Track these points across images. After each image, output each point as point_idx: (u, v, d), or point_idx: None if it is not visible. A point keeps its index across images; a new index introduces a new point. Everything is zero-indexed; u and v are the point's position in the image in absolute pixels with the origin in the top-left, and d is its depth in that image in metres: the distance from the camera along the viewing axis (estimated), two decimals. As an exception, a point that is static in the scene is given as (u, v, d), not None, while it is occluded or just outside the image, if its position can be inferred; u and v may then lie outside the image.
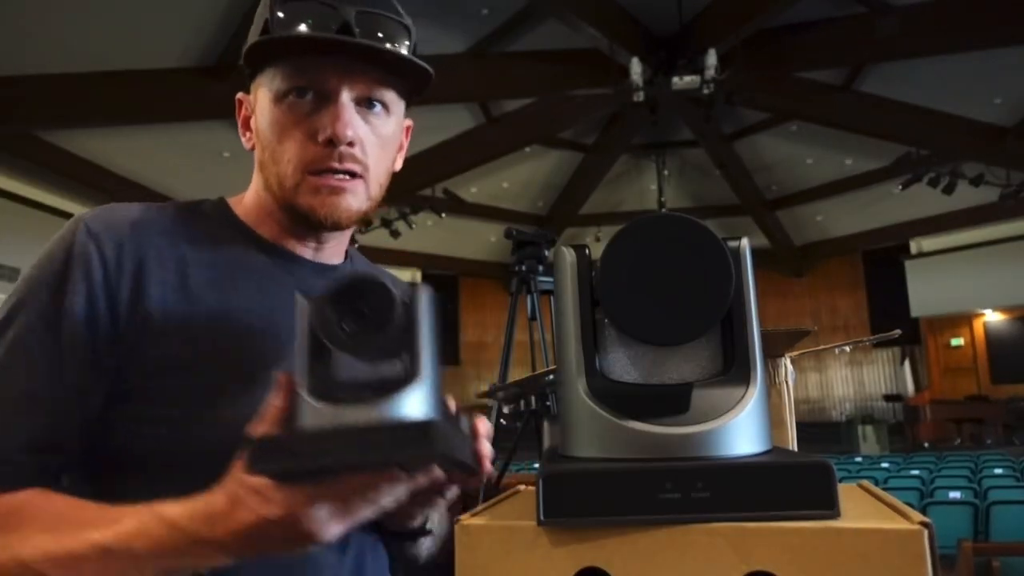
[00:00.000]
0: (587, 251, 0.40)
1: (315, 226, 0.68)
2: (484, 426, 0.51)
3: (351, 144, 0.66)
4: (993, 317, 12.10)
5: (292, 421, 0.45)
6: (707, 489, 0.33)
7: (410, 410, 0.40)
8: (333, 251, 0.77)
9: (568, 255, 0.39)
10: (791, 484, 0.34)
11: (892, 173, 9.82)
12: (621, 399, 0.37)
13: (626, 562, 0.33)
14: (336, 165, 0.66)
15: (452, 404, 0.50)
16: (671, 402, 0.36)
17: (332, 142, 0.66)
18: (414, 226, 10.26)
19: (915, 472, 6.21)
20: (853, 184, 10.93)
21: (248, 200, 0.74)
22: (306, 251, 0.74)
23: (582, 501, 0.34)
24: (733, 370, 0.38)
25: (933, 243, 12.42)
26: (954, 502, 4.78)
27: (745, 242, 0.39)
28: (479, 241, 11.63)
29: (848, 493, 0.39)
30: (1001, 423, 10.66)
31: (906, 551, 0.31)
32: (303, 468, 0.42)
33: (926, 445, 10.53)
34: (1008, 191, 9.37)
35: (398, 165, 0.78)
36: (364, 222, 0.72)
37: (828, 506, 0.33)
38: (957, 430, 11.02)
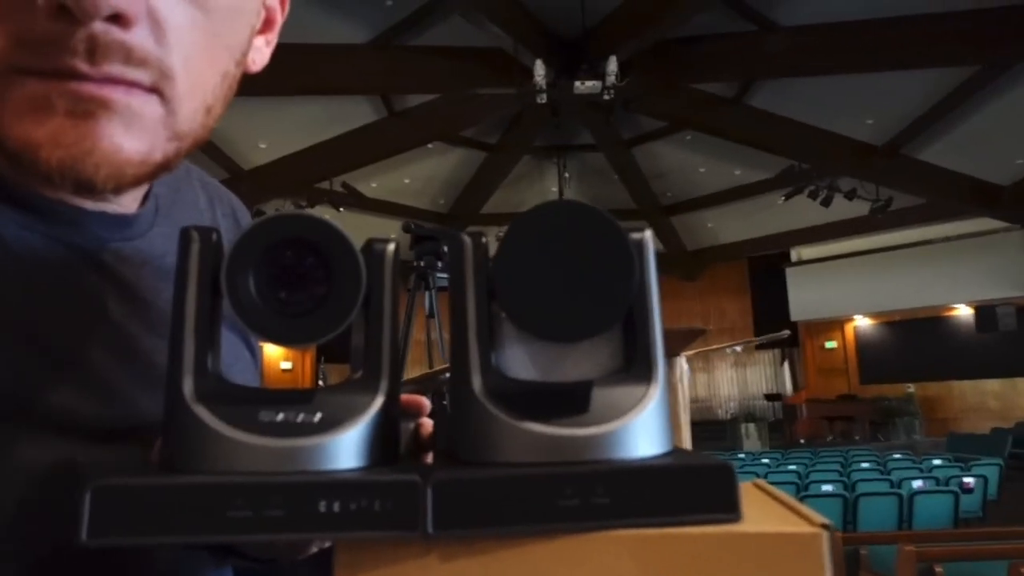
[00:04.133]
0: (484, 240, 0.37)
1: (49, 181, 0.36)
2: (429, 427, 0.43)
3: (119, 20, 0.34)
4: (863, 322, 13.04)
5: (172, 455, 0.33)
6: (607, 494, 0.31)
7: (372, 443, 0.33)
8: (130, 196, 0.45)
9: (465, 242, 0.36)
10: (692, 487, 0.32)
11: (776, 184, 10.41)
12: (518, 398, 0.34)
13: (522, 575, 0.31)
14: (83, 68, 0.34)
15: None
16: (570, 402, 0.34)
17: (67, 10, 0.32)
18: (311, 220, 9.93)
19: (792, 467, 6.61)
20: (741, 193, 11.50)
21: None
22: (84, 199, 0.42)
23: (475, 510, 0.31)
24: (634, 368, 0.36)
25: (812, 252, 13.26)
26: (827, 495, 5.12)
27: (648, 234, 0.38)
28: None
29: (745, 493, 0.38)
30: (868, 420, 11.50)
31: (805, 554, 0.30)
32: (187, 540, 0.30)
33: (802, 441, 11.21)
34: (877, 206, 10.13)
35: (257, 61, 0.45)
36: (157, 173, 0.40)
37: (729, 509, 0.32)
38: (829, 427, 11.80)
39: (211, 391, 0.33)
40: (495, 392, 0.34)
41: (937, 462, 6.70)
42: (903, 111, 8.39)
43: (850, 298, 12.53)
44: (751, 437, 11.43)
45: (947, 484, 5.36)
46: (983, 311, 11.16)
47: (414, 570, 0.31)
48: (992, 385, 11.54)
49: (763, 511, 0.34)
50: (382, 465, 0.34)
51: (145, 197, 0.48)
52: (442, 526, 0.30)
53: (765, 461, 7.43)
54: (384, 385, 0.35)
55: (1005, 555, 2.97)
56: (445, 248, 2.12)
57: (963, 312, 11.78)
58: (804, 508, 0.34)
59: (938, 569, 3.01)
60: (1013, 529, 3.61)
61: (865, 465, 6.75)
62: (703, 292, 14.31)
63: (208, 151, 8.23)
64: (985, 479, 5.64)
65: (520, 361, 0.37)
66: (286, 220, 0.34)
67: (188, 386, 0.33)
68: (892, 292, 11.98)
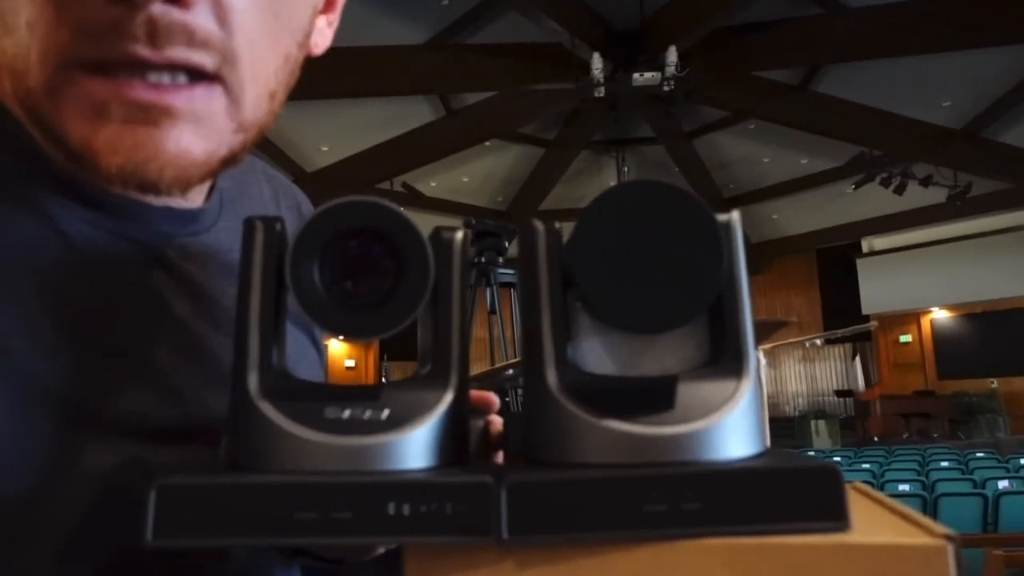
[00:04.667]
0: (558, 226, 0.35)
1: (111, 183, 0.36)
2: (499, 425, 0.42)
3: (178, 0, 0.32)
4: (940, 315, 12.47)
5: (238, 453, 0.31)
6: (698, 499, 0.28)
7: (442, 441, 0.31)
8: (197, 190, 0.44)
9: (538, 228, 0.34)
10: (793, 492, 0.29)
11: (846, 173, 10.02)
12: (596, 394, 0.31)
13: (604, 586, 0.28)
14: (145, 54, 0.32)
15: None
16: (654, 398, 0.31)
17: None
18: (373, 220, 10.08)
19: (866, 466, 6.36)
20: (808, 183, 11.13)
21: None
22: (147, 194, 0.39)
23: (553, 515, 0.29)
24: (723, 361, 0.33)
25: (884, 242, 12.74)
26: (904, 495, 4.90)
27: (736, 216, 0.35)
28: (439, 236, 11.48)
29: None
30: (947, 418, 10.99)
31: (927, 570, 0.27)
32: (253, 542, 0.28)
33: (876, 439, 10.81)
34: (955, 192, 9.65)
35: (320, 43, 0.44)
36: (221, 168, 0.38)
37: (836, 517, 0.28)
38: (905, 424, 11.33)
39: (276, 387, 0.32)
40: (572, 387, 0.32)
41: (1025, 462, 6.34)
42: (983, 92, 7.96)
43: (926, 289, 11.99)
44: (821, 435, 11.05)
45: (1037, 485, 5.06)
46: (1073, 302, 10.51)
47: (489, 577, 0.29)
48: (1084, 380, 10.86)
49: (872, 519, 0.31)
50: (452, 465, 0.32)
51: (210, 191, 0.47)
52: (518, 532, 0.28)
53: (837, 459, 7.16)
54: (454, 380, 0.33)
55: (1105, 561, 2.78)
56: (506, 243, 2.11)
57: (1051, 303, 11.12)
58: (919, 516, 0.30)
59: (1029, 575, 2.84)
60: (1113, 533, 3.37)
61: (945, 464, 6.45)
62: (769, 286, 13.92)
63: (272, 154, 8.45)
64: (1079, 480, 5.30)
65: (597, 354, 0.35)
66: (350, 208, 0.32)
67: (253, 382, 0.32)
68: (972, 282, 11.41)
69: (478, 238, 2.07)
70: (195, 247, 0.43)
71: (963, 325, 12.20)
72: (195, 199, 0.45)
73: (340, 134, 8.72)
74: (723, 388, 0.32)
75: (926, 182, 9.42)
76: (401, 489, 0.29)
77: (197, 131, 0.35)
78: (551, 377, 0.32)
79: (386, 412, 0.31)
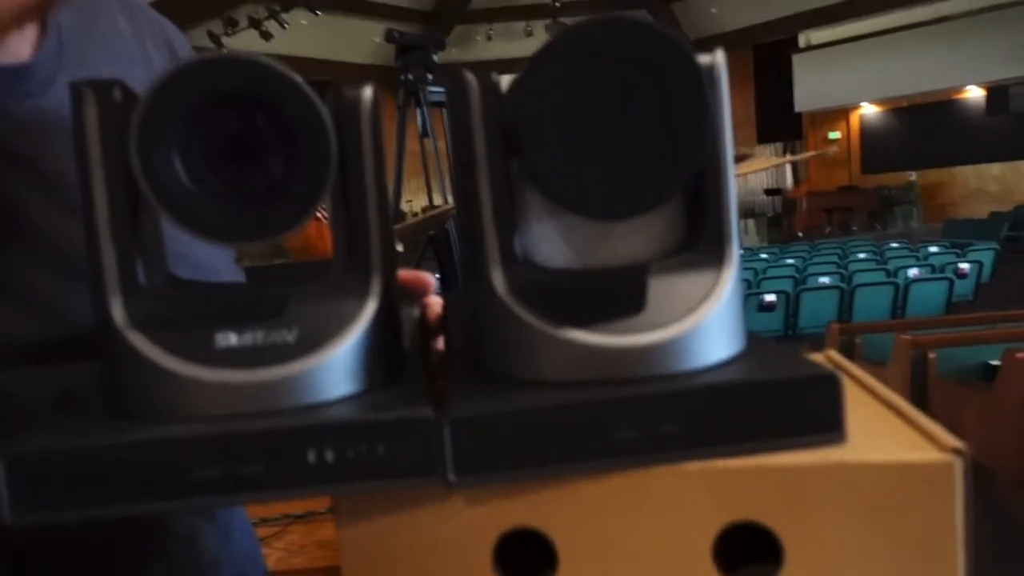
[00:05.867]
0: (495, 79, 0.27)
1: None
2: (437, 307, 0.37)
3: None
4: (869, 110, 12.65)
5: (116, 398, 0.26)
6: (675, 421, 0.24)
7: (367, 361, 0.25)
8: (18, 35, 0.34)
9: (470, 83, 0.26)
10: (783, 403, 0.25)
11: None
12: (553, 297, 0.26)
13: (569, 521, 0.25)
14: None
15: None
16: (621, 297, 0.26)
17: None
18: (287, 26, 9.25)
19: (790, 261, 6.70)
20: (749, -27, 10.59)
21: None
22: None
23: (507, 449, 0.24)
24: (701, 245, 0.27)
25: (821, 36, 12.50)
26: (824, 287, 5.22)
27: (720, 57, 0.27)
28: (361, 42, 10.68)
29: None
30: (868, 211, 11.53)
31: (932, 488, 0.24)
32: (140, 510, 0.23)
33: (800, 235, 11.33)
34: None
35: None
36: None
37: (831, 428, 0.25)
38: (828, 219, 11.87)
39: (149, 310, 0.25)
40: (522, 290, 0.26)
41: (934, 250, 6.77)
42: None
43: (858, 85, 12.01)
44: (750, 233, 11.53)
45: (943, 271, 5.45)
46: (994, 92, 10.74)
47: (434, 516, 0.25)
48: (994, 169, 11.40)
49: (867, 421, 0.27)
50: (383, 388, 0.27)
51: (43, 30, 0.36)
52: (467, 470, 0.24)
53: (764, 256, 7.54)
54: (376, 284, 0.27)
55: (997, 339, 3.06)
56: (435, 57, 1.92)
57: (974, 94, 11.35)
58: (917, 415, 0.27)
59: (931, 355, 3.11)
60: (1006, 313, 3.70)
61: (863, 255, 6.84)
62: (705, 86, 13.66)
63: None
64: (980, 264, 5.72)
65: (550, 241, 0.28)
66: (215, 68, 0.24)
67: (117, 309, 0.25)
68: (903, 76, 11.45)
69: (403, 52, 1.88)
70: (30, 113, 0.33)
71: (890, 120, 12.44)
72: (21, 49, 0.34)
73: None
74: (701, 281, 0.26)
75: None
76: (319, 433, 0.23)
77: None
78: (497, 278, 0.26)
79: (295, 332, 0.25)
